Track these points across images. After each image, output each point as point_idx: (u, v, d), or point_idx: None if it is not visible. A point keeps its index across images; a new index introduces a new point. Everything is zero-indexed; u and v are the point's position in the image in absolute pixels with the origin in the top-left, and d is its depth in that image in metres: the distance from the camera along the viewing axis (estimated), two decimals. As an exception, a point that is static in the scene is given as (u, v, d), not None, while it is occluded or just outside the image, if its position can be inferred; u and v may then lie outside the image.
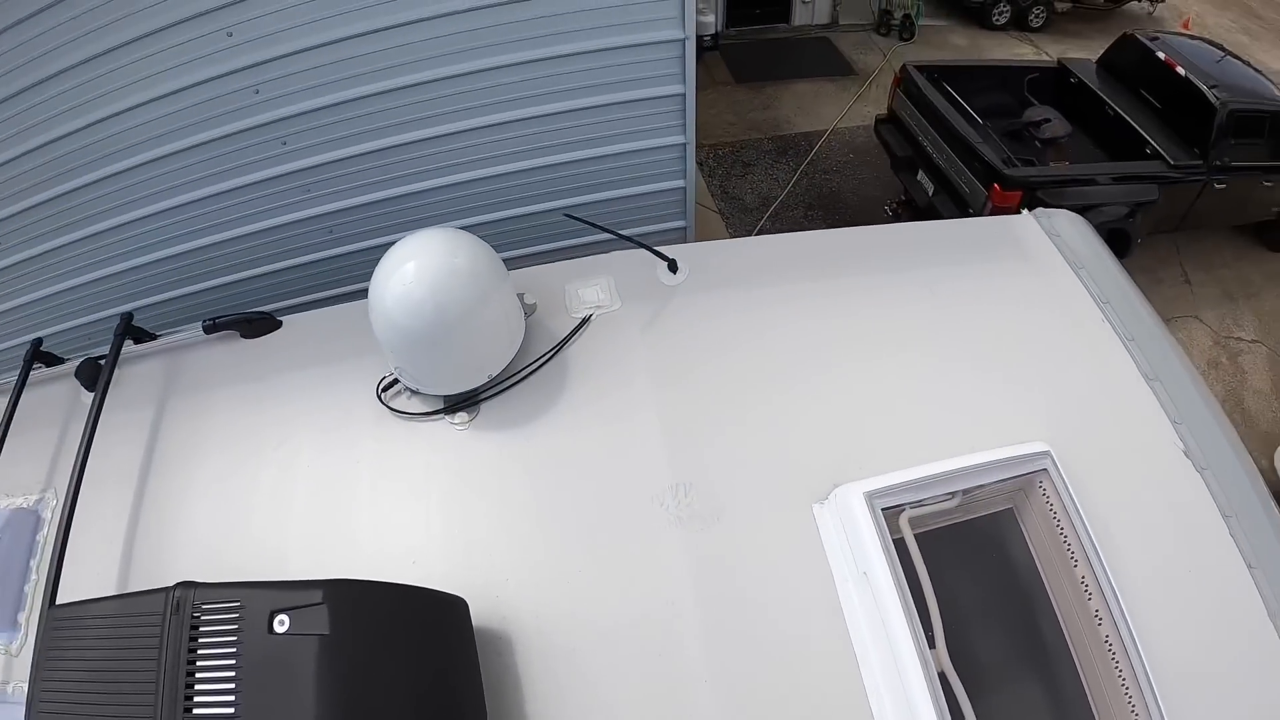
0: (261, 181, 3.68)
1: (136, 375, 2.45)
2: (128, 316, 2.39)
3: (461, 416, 2.19)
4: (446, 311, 2.03)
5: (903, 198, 6.92)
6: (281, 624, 1.57)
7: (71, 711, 1.68)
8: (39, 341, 2.42)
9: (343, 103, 3.53)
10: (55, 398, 2.47)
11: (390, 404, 2.22)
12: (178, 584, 1.68)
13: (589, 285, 2.45)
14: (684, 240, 4.15)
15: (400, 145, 3.64)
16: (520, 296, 2.35)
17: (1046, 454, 2.20)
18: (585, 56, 3.52)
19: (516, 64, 3.51)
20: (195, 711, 1.54)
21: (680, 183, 3.96)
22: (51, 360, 2.50)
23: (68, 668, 1.73)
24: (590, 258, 2.56)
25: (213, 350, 2.47)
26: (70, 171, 3.54)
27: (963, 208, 5.96)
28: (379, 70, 3.48)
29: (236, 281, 3.95)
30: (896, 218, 6.89)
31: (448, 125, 3.60)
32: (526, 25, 3.44)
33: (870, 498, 2.01)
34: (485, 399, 2.21)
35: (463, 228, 2.22)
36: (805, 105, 8.52)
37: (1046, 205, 5.52)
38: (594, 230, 2.50)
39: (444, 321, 2.03)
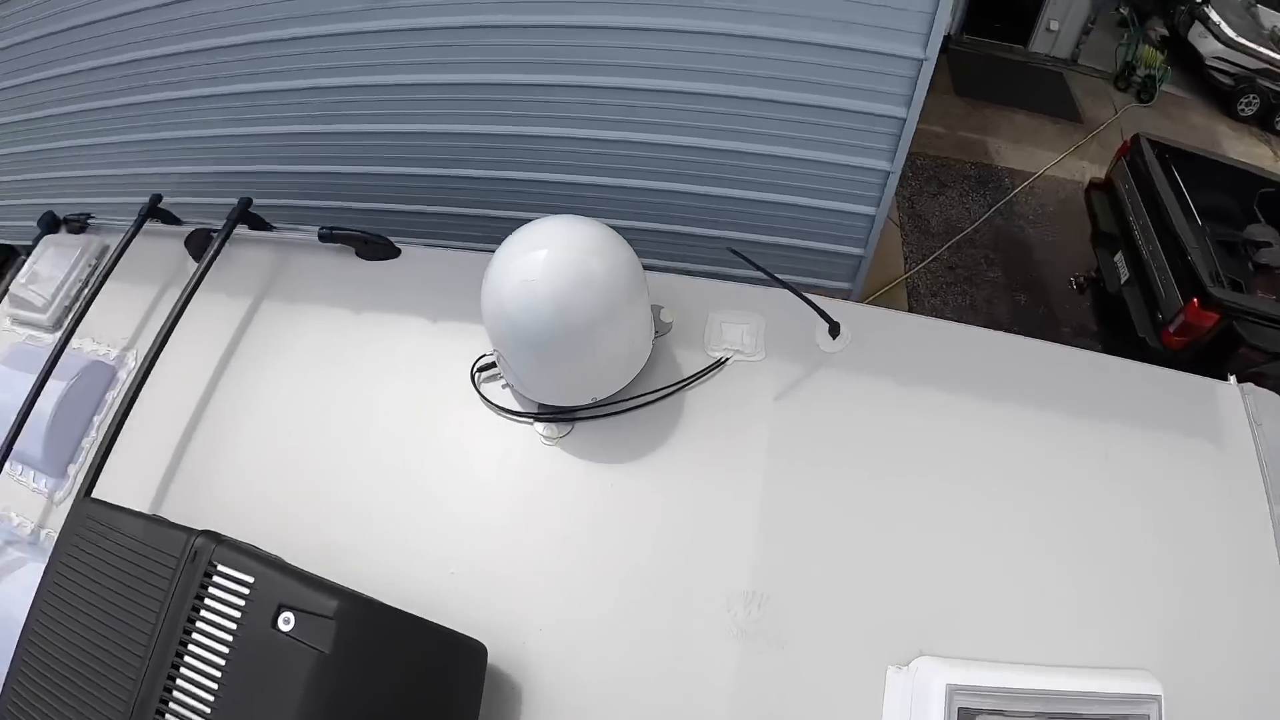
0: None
1: (244, 260, 2.32)
2: (246, 201, 2.25)
3: (551, 430, 1.95)
4: (569, 321, 1.75)
5: (1093, 274, 6.28)
6: (286, 622, 1.46)
7: (73, 615, 1.65)
8: (158, 197, 2.33)
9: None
10: (163, 259, 2.38)
11: (481, 388, 2.01)
12: (201, 532, 1.58)
13: (735, 323, 2.14)
14: (857, 269, 3.80)
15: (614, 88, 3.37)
16: (656, 311, 2.08)
17: (1156, 699, 1.84)
18: (814, 49, 3.13)
19: (740, 36, 3.15)
20: (179, 680, 1.48)
21: (871, 209, 3.55)
22: (169, 219, 2.40)
23: (82, 566, 1.69)
24: (744, 286, 2.25)
25: (323, 260, 2.32)
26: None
27: (1152, 308, 5.37)
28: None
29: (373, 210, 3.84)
30: (1080, 293, 6.42)
31: (663, 81, 3.32)
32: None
33: (953, 691, 1.74)
34: (583, 419, 1.97)
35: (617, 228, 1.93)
36: (1020, 139, 7.82)
37: (1242, 339, 4.86)
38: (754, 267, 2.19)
39: (562, 331, 1.76)
